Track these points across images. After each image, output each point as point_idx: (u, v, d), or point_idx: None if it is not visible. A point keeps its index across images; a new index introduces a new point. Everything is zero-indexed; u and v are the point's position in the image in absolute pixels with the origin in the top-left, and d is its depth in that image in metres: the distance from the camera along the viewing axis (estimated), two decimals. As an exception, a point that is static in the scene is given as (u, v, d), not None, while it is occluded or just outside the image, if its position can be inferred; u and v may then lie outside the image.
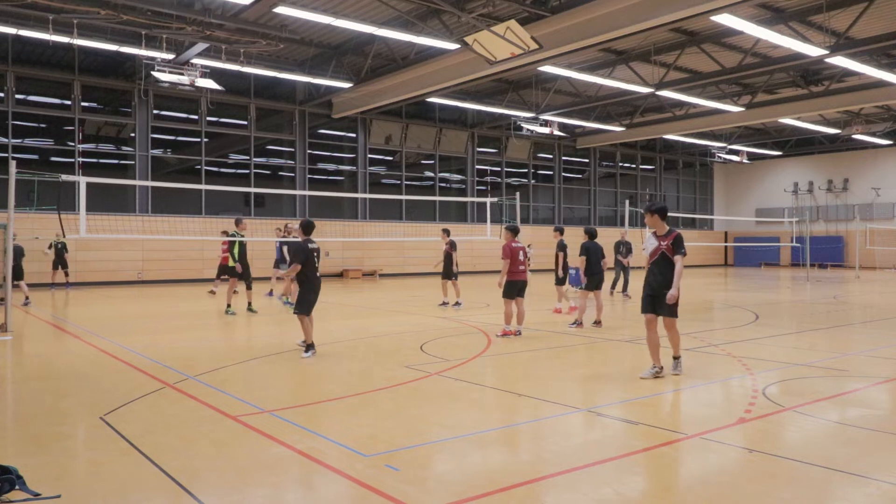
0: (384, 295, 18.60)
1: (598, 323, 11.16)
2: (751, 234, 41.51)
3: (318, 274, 8.53)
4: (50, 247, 19.36)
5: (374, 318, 12.82)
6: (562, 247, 13.25)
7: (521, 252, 10.17)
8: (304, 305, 8.43)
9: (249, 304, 13.54)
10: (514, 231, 10.36)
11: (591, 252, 11.31)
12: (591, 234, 11.53)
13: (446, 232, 15.03)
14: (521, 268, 10.15)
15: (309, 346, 8.35)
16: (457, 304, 14.43)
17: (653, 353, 7.00)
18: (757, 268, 37.94)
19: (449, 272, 14.52)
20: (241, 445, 4.78)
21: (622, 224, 21.45)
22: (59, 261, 19.36)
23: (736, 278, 27.85)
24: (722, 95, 26.05)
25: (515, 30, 13.28)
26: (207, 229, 22.05)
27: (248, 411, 5.64)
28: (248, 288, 13.53)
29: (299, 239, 14.55)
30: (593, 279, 11.24)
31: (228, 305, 13.34)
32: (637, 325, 11.68)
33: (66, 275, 19.60)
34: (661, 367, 6.99)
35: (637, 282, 19.50)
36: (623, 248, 17.76)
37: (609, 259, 13.09)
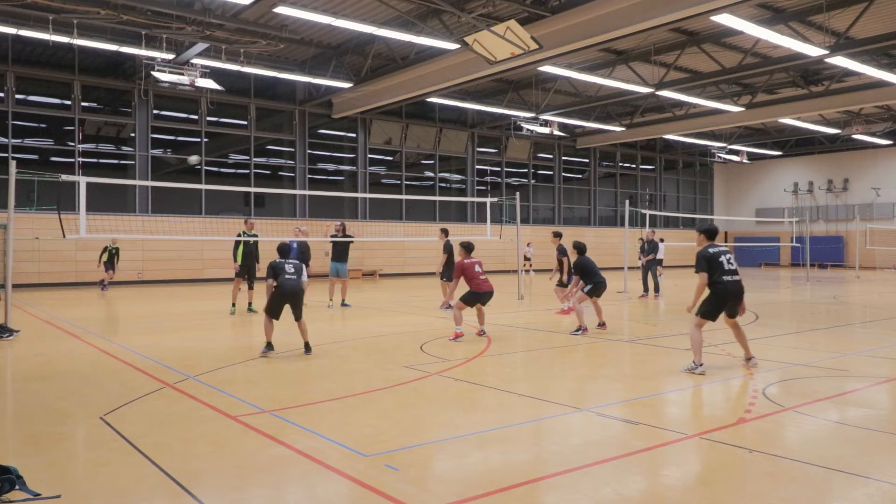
0: (384, 295, 18.61)
1: (602, 325, 10.85)
2: (751, 234, 41.51)
3: (288, 278, 8.43)
4: (104, 251, 19.26)
5: (374, 318, 12.82)
6: (563, 251, 13.16)
7: (475, 266, 10.06)
8: (268, 309, 8.58)
9: (250, 304, 13.52)
10: (467, 249, 10.30)
11: (587, 266, 10.99)
12: (583, 250, 11.22)
13: (445, 232, 14.98)
14: (483, 277, 10.00)
15: (267, 345, 8.48)
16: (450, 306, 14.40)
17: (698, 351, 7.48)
18: (757, 268, 37.94)
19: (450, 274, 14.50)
20: (241, 445, 4.78)
21: (622, 224, 21.45)
22: (110, 264, 19.33)
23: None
24: (722, 95, 26.06)
25: (515, 30, 13.28)
26: (207, 229, 22.05)
27: (248, 411, 5.64)
28: (250, 288, 13.50)
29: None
30: (597, 287, 10.83)
31: (233, 305, 13.32)
32: (640, 326, 11.68)
33: (111, 276, 19.48)
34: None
35: (667, 280, 19.36)
36: (647, 246, 17.47)
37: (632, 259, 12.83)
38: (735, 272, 7.51)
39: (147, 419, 5.49)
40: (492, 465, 4.40)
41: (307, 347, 8.56)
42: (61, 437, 5.04)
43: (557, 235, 13.65)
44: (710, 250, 7.61)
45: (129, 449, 4.64)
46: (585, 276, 10.86)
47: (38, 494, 3.76)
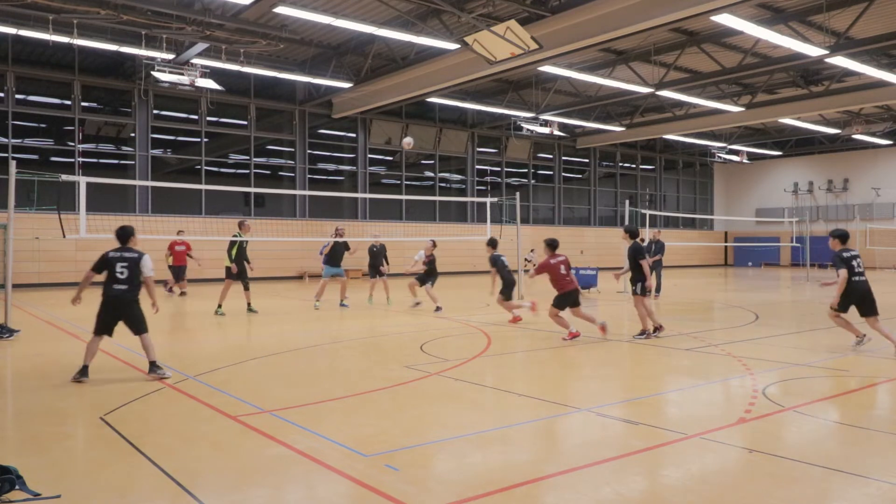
0: (384, 295, 18.56)
1: (658, 328, 9.96)
2: (751, 234, 41.50)
3: (115, 286, 6.87)
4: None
5: (375, 319, 12.82)
6: (495, 261, 12.06)
7: (561, 266, 9.69)
8: (96, 324, 6.92)
9: (249, 304, 13.51)
10: (552, 246, 9.90)
11: (642, 254, 10.09)
12: (635, 234, 10.31)
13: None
14: (567, 279, 9.71)
15: (82, 369, 6.74)
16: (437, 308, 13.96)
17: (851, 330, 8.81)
18: (757, 268, 37.93)
19: (425, 279, 14.26)
20: (241, 445, 4.78)
21: (622, 224, 21.44)
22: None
23: (736, 278, 27.85)
24: (722, 95, 26.05)
25: (515, 30, 13.27)
26: (207, 229, 22.04)
27: (248, 411, 5.64)
28: (246, 289, 13.48)
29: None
30: (645, 283, 10.02)
31: (219, 306, 13.27)
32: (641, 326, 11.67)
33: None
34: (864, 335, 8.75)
35: (666, 280, 19.34)
36: (654, 247, 17.44)
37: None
38: (862, 274, 8.75)
39: (147, 419, 5.49)
40: (492, 465, 4.40)
41: (151, 367, 6.99)
42: (61, 437, 5.04)
43: (492, 244, 12.47)
44: (845, 254, 8.79)
45: (129, 449, 4.64)
46: (641, 265, 10.00)
47: (38, 494, 3.76)
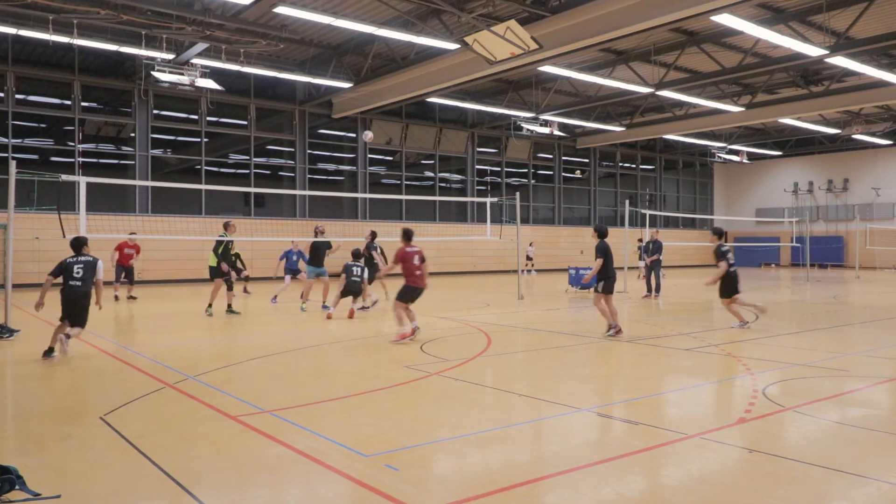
0: (383, 292, 18.55)
1: (616, 329, 10.06)
2: (751, 234, 41.50)
3: (72, 283, 8.02)
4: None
5: (375, 319, 12.81)
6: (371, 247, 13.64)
7: (415, 257, 9.62)
8: (62, 314, 8.13)
9: (229, 305, 13.43)
10: (407, 236, 9.87)
11: (610, 253, 10.31)
12: (604, 233, 10.43)
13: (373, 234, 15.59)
14: (418, 273, 9.64)
15: (49, 350, 8.01)
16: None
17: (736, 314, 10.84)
18: (757, 268, 37.93)
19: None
20: (241, 445, 4.78)
21: (622, 224, 21.41)
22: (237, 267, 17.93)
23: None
24: (722, 95, 26.05)
25: (515, 30, 13.27)
26: (207, 229, 22.03)
27: (248, 411, 5.64)
28: (229, 289, 13.42)
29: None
30: (609, 282, 10.22)
31: (209, 305, 13.24)
32: (641, 326, 11.68)
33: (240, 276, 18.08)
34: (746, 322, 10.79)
35: (666, 280, 19.38)
36: (652, 246, 17.44)
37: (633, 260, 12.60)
38: (734, 264, 10.88)
39: (147, 419, 5.49)
40: (492, 465, 4.40)
41: (50, 350, 8.05)
42: (62, 437, 5.04)
43: (355, 255, 13.66)
44: (723, 248, 10.87)
45: (129, 449, 4.64)
46: (607, 263, 10.09)
47: (38, 494, 3.76)
